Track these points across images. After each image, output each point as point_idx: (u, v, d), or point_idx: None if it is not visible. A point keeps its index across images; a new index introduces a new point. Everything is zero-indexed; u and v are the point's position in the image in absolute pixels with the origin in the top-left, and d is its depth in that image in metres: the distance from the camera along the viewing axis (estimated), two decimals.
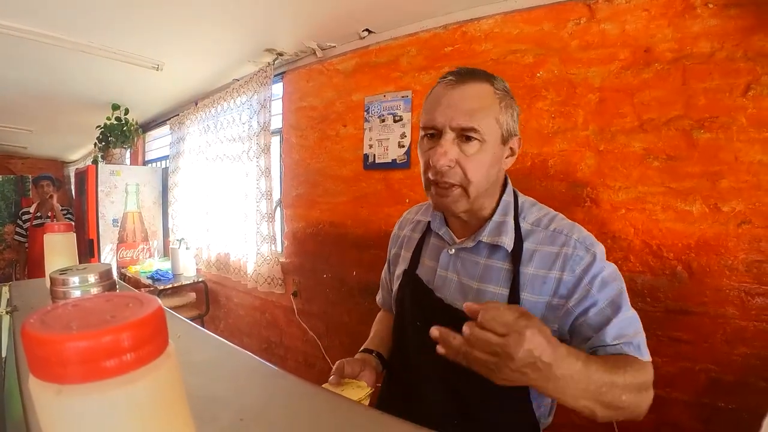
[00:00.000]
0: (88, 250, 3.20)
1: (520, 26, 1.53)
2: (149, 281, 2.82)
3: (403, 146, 1.86)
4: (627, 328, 0.63)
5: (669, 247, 1.25)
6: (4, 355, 0.83)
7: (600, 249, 0.68)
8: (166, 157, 3.74)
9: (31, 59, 2.18)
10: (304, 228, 2.34)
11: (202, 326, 1.88)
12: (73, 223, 3.03)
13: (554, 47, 1.45)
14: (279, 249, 2.49)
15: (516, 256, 0.69)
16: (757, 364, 1.12)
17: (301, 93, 2.34)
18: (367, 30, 1.92)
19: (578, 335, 0.66)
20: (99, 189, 3.27)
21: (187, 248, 2.96)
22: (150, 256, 3.51)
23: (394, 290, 0.88)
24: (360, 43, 2.00)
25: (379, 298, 1.03)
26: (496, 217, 0.72)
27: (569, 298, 0.66)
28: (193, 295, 3.02)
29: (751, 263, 1.14)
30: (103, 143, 3.43)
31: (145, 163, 4.23)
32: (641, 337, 0.64)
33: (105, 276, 0.60)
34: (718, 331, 1.18)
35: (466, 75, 0.68)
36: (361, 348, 0.88)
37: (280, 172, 2.51)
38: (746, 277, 1.14)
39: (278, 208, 2.51)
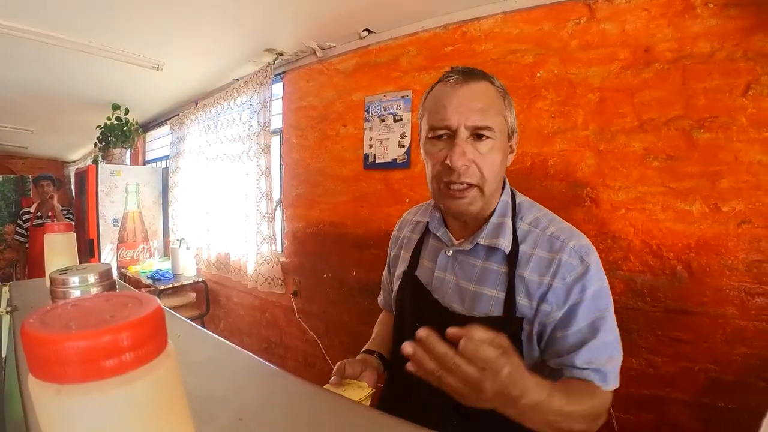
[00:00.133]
0: (88, 250, 3.20)
1: (520, 26, 1.53)
2: (149, 281, 2.82)
3: (403, 146, 1.86)
4: (599, 354, 0.63)
5: (669, 247, 1.25)
6: (4, 354, 0.83)
7: (594, 260, 0.66)
8: (166, 157, 3.74)
9: (31, 59, 2.18)
10: (304, 228, 2.34)
11: (202, 326, 1.88)
12: (73, 223, 3.03)
13: (554, 47, 1.45)
14: (279, 249, 2.49)
15: (512, 258, 0.69)
16: (757, 364, 1.12)
17: (301, 93, 2.34)
18: (367, 30, 1.92)
19: (551, 347, 0.67)
20: (99, 189, 3.27)
21: (187, 248, 2.96)
22: (150, 256, 3.51)
23: (393, 291, 0.88)
24: (360, 42, 2.00)
25: (380, 298, 1.03)
26: (494, 219, 0.72)
27: (555, 306, 0.65)
28: (193, 295, 3.02)
29: (751, 263, 1.14)
30: (104, 143, 3.43)
31: (145, 162, 4.23)
32: (611, 365, 0.64)
33: (105, 276, 0.60)
34: (718, 331, 1.18)
35: (468, 74, 0.68)
36: (363, 349, 0.88)
37: (280, 172, 2.51)
38: (746, 276, 1.14)
39: (278, 208, 2.51)
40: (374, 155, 1.96)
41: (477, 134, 0.65)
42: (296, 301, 2.37)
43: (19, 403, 0.49)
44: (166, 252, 3.52)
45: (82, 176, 3.46)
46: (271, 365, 0.62)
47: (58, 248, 0.96)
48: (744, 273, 1.15)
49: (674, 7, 1.23)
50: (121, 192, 3.40)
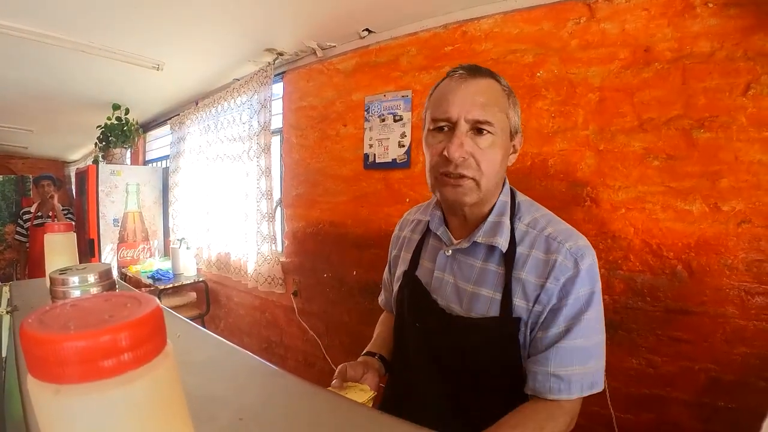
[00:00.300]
0: (88, 249, 3.21)
1: (520, 26, 1.53)
2: (150, 281, 2.82)
3: (404, 146, 1.86)
4: (566, 358, 0.63)
5: (669, 247, 1.25)
6: (4, 354, 0.83)
7: (588, 264, 0.65)
8: (166, 157, 3.75)
9: (31, 59, 2.18)
10: (304, 228, 2.34)
11: (203, 326, 1.88)
12: (73, 223, 3.04)
13: (554, 47, 1.45)
14: (279, 248, 2.49)
15: (510, 259, 0.68)
16: (757, 363, 1.12)
17: (301, 93, 2.34)
18: (367, 30, 1.92)
19: (531, 347, 0.67)
20: (99, 189, 3.27)
21: (187, 248, 2.96)
22: (150, 256, 3.51)
23: (394, 291, 0.88)
24: (360, 42, 2.00)
25: (381, 299, 1.03)
26: (491, 218, 0.71)
27: (545, 306, 0.65)
28: (193, 295, 3.02)
29: (751, 262, 1.14)
30: (104, 143, 3.44)
31: (145, 162, 4.23)
32: (580, 372, 0.63)
33: (104, 276, 0.59)
34: (717, 330, 1.18)
35: (474, 70, 0.68)
36: (364, 351, 0.87)
37: (281, 172, 2.51)
38: (746, 276, 1.14)
39: (278, 208, 2.51)
40: (374, 155, 1.96)
41: (477, 128, 0.65)
42: (296, 300, 2.37)
43: (19, 402, 0.49)
44: (167, 252, 3.52)
45: (82, 176, 3.47)
46: (271, 365, 0.62)
47: (58, 248, 0.96)
48: (744, 272, 1.14)
49: (674, 6, 1.23)
50: (121, 192, 3.40)
